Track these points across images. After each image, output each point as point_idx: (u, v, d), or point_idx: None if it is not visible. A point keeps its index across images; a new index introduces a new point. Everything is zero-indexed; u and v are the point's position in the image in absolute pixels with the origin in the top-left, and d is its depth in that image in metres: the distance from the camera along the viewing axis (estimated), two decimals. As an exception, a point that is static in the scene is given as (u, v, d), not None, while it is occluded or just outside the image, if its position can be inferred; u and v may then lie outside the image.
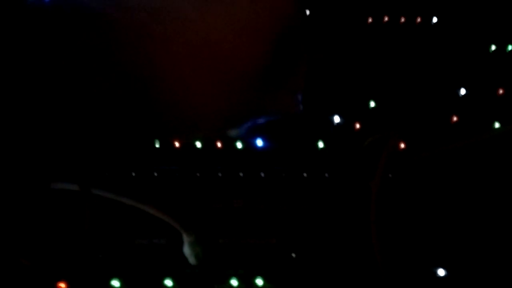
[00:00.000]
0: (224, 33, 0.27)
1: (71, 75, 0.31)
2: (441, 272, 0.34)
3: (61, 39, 0.28)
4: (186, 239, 0.34)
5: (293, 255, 0.38)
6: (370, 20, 0.52)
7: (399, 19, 0.52)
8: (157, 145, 0.43)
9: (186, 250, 0.35)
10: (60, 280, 0.35)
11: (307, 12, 0.50)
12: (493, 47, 0.50)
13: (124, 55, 0.26)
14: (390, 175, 0.40)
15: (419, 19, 0.52)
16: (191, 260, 0.36)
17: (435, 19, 0.52)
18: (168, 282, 0.36)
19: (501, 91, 0.47)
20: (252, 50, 0.28)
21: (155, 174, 0.42)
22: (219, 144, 0.43)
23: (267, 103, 0.39)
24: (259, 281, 0.36)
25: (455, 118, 0.45)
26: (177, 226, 0.32)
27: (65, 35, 0.28)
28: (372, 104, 0.47)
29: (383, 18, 0.52)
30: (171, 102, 0.26)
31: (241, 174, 0.42)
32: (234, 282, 0.36)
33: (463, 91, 0.47)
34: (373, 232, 0.24)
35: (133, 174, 0.41)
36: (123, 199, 0.33)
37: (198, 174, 0.42)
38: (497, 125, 0.44)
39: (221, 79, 0.27)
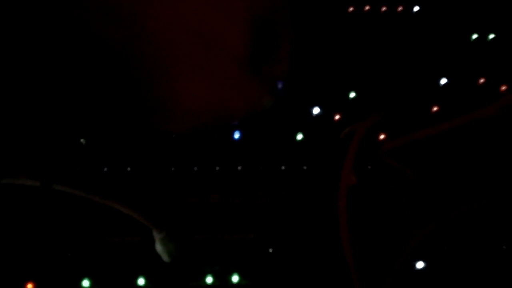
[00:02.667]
0: (204, 16, 0.25)
1: (42, 63, 0.29)
2: (419, 264, 0.33)
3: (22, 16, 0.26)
4: (156, 236, 0.33)
5: (270, 250, 0.37)
6: (351, 9, 0.51)
7: (380, 8, 0.51)
8: (133, 139, 0.41)
9: (158, 247, 0.34)
10: (28, 280, 0.33)
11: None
12: (475, 36, 0.49)
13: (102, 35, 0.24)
14: (369, 167, 0.39)
15: (400, 8, 0.51)
16: (164, 257, 0.35)
17: (416, 8, 0.51)
18: (141, 281, 0.34)
19: (481, 80, 0.46)
20: (233, 36, 0.26)
21: (129, 169, 0.40)
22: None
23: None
24: (235, 278, 0.35)
25: (435, 108, 0.44)
26: (147, 223, 0.31)
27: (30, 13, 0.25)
28: (352, 94, 0.45)
29: (364, 7, 0.51)
30: (150, 87, 0.24)
31: (217, 168, 0.41)
32: (209, 279, 0.35)
33: (443, 81, 0.46)
34: (341, 224, 0.23)
35: (105, 169, 0.40)
36: (91, 197, 0.31)
37: (173, 169, 0.41)
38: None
39: (203, 63, 0.26)
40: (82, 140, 0.35)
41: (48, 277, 0.35)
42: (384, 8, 0.51)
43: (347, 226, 0.23)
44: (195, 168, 0.41)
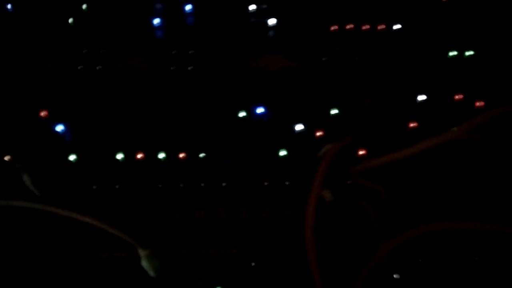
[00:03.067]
0: None
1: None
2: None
3: None
4: (141, 253, 0.35)
5: (253, 264, 0.39)
6: (333, 28, 0.53)
7: (361, 26, 0.53)
8: (120, 158, 0.43)
9: (144, 263, 0.36)
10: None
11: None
12: (452, 53, 0.51)
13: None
14: (348, 182, 0.41)
15: (381, 26, 0.53)
16: (150, 272, 0.36)
17: (397, 26, 0.53)
18: (128, 295, 0.36)
19: (457, 97, 0.48)
20: None
21: (117, 187, 0.42)
22: (181, 155, 0.44)
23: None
24: (218, 291, 0.37)
25: (412, 124, 0.46)
26: (132, 241, 0.32)
27: None
28: (334, 111, 0.47)
29: (345, 26, 0.53)
30: None
31: (202, 184, 0.43)
32: (193, 293, 0.37)
33: (421, 97, 0.48)
34: (307, 238, 0.24)
35: (94, 187, 0.42)
36: (75, 215, 0.33)
37: (160, 186, 0.42)
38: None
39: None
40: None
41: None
42: (365, 27, 0.53)
43: (313, 242, 0.24)
44: (181, 185, 0.43)
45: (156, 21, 0.51)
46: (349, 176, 0.29)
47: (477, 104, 0.48)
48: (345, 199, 0.39)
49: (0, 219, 0.38)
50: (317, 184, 0.24)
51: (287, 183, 0.43)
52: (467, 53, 0.52)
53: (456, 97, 0.49)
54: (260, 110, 0.47)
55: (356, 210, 0.38)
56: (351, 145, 0.31)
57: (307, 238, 0.24)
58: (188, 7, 0.52)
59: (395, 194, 0.40)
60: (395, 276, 0.36)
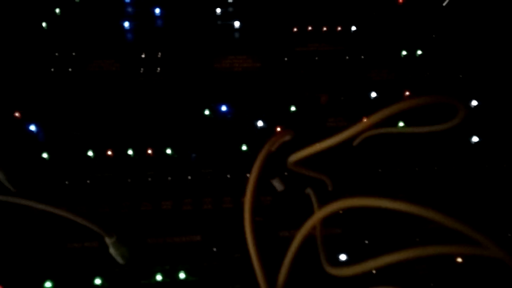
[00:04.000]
0: None
1: None
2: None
3: None
4: (108, 241, 0.38)
5: (215, 249, 0.42)
6: (295, 29, 0.56)
7: (321, 28, 0.57)
8: (91, 154, 0.46)
9: (112, 251, 0.39)
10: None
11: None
12: (404, 52, 0.55)
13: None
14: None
15: (339, 28, 0.57)
16: (119, 260, 0.39)
17: (353, 28, 0.57)
18: (98, 280, 0.39)
19: (407, 93, 0.52)
20: None
21: (88, 181, 0.45)
22: (149, 151, 0.47)
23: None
24: (182, 275, 0.40)
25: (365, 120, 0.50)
26: (97, 230, 0.35)
27: None
28: (293, 108, 0.51)
29: (306, 28, 0.57)
30: None
31: (169, 178, 0.46)
32: (158, 277, 0.40)
33: (373, 94, 0.52)
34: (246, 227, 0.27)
35: (66, 182, 0.44)
36: (47, 208, 0.35)
37: (129, 180, 0.45)
38: (401, 124, 0.50)
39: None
40: None
41: (14, 279, 0.39)
42: (324, 28, 0.57)
43: (253, 232, 0.27)
44: (149, 179, 0.46)
45: (126, 24, 0.53)
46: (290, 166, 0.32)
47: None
48: (294, 188, 0.43)
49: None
50: (253, 176, 0.27)
51: (248, 175, 0.47)
52: (418, 53, 0.56)
53: (406, 93, 0.53)
54: (224, 108, 0.50)
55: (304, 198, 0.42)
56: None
57: (246, 228, 0.27)
58: (157, 11, 0.54)
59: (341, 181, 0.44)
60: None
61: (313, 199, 0.38)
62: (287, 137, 0.33)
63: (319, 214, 0.27)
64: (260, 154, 0.27)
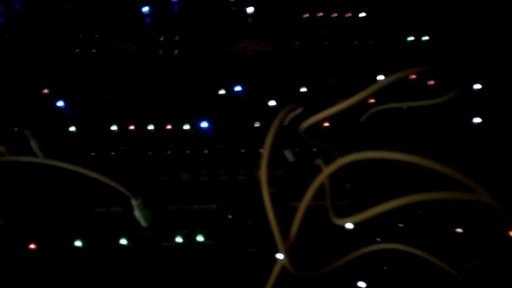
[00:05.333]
0: None
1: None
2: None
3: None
4: (134, 202, 0.41)
5: (230, 217, 0.46)
6: (306, 15, 0.59)
7: (330, 14, 0.59)
8: (114, 128, 0.49)
9: (136, 213, 0.42)
10: (31, 241, 0.41)
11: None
12: (410, 38, 0.58)
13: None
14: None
15: (348, 14, 0.59)
16: (142, 222, 0.43)
17: (362, 14, 0.59)
18: (123, 241, 0.43)
19: (413, 76, 0.55)
20: None
21: (112, 153, 0.48)
22: (169, 127, 0.50)
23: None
24: (200, 238, 0.43)
25: (372, 100, 0.53)
26: (125, 191, 0.38)
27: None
28: (303, 89, 0.54)
29: (316, 14, 0.59)
30: None
31: (187, 152, 0.49)
32: (179, 239, 0.43)
33: (380, 77, 0.55)
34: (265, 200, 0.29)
35: (92, 154, 0.48)
36: (76, 168, 0.38)
37: (150, 153, 0.49)
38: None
39: None
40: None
41: (48, 238, 0.43)
42: (334, 15, 0.59)
43: (271, 200, 0.29)
44: (168, 152, 0.49)
45: (145, 9, 0.56)
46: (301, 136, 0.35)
47: (429, 83, 0.55)
48: (306, 159, 0.46)
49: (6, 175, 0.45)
50: (267, 147, 0.30)
51: (260, 150, 0.50)
52: (423, 38, 0.58)
53: (411, 77, 0.55)
54: (237, 88, 0.53)
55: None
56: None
57: (264, 196, 0.30)
58: (175, -3, 0.57)
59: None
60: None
61: (322, 167, 0.41)
62: (297, 111, 0.36)
63: (328, 169, 0.30)
64: (274, 123, 0.30)
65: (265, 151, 0.28)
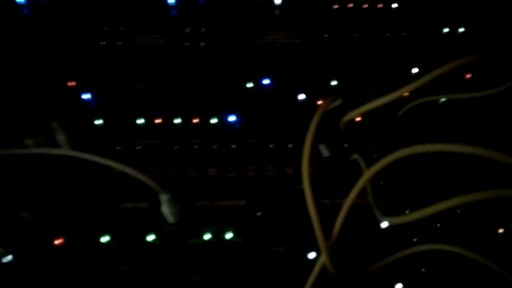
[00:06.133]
0: None
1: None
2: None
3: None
4: (163, 198, 0.40)
5: (258, 214, 0.44)
6: (335, 6, 0.57)
7: (361, 5, 0.57)
8: (141, 122, 0.48)
9: (164, 209, 0.41)
10: (57, 236, 0.41)
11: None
12: (445, 30, 0.55)
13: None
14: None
15: (380, 5, 0.57)
16: (169, 218, 0.42)
17: (394, 5, 0.57)
18: (151, 237, 0.41)
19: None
20: None
21: (138, 148, 0.47)
22: (196, 120, 0.49)
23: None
24: (229, 235, 0.42)
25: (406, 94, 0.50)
26: (155, 186, 0.37)
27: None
28: (334, 82, 0.52)
29: (347, 5, 0.57)
30: None
31: (214, 147, 0.48)
32: (207, 236, 0.42)
33: (415, 70, 0.52)
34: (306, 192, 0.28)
35: (118, 148, 0.47)
36: (105, 161, 0.37)
37: (176, 147, 0.48)
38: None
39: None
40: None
41: (74, 233, 0.42)
42: (365, 5, 0.57)
43: (312, 192, 0.28)
44: (195, 147, 0.48)
45: (171, 0, 0.55)
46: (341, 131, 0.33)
47: (467, 76, 0.52)
48: (340, 154, 0.44)
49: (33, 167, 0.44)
50: (309, 140, 0.28)
51: (290, 145, 0.48)
52: (460, 30, 0.55)
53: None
54: (266, 81, 0.51)
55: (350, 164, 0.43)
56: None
57: (305, 190, 0.28)
58: (201, -11, 0.56)
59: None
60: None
61: (361, 162, 0.39)
62: (337, 102, 0.34)
63: (370, 172, 0.28)
64: (315, 117, 0.29)
65: (306, 145, 0.27)
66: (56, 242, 0.41)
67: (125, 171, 0.35)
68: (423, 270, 0.40)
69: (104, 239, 0.41)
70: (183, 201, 0.44)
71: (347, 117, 0.31)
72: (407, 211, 0.43)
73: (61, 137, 0.42)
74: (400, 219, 0.26)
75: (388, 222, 0.29)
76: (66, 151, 0.37)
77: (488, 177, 0.46)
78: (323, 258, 0.29)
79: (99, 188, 0.45)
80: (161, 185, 0.37)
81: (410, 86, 0.27)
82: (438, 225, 0.42)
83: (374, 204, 0.35)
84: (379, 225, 0.39)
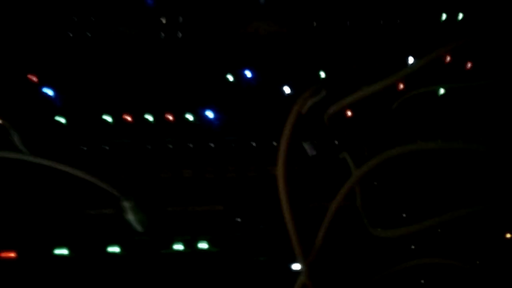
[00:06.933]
0: None
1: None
2: None
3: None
4: (125, 204, 0.35)
5: (238, 220, 0.39)
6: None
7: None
8: (109, 119, 0.44)
9: (129, 216, 0.36)
10: (9, 249, 0.36)
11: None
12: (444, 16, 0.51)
13: None
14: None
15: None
16: (137, 227, 0.37)
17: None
18: (115, 248, 0.37)
19: (448, 58, 0.48)
20: None
21: (106, 147, 0.43)
22: (170, 117, 0.44)
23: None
24: (203, 245, 0.37)
25: (401, 86, 0.46)
26: (114, 192, 0.33)
27: None
28: (322, 74, 0.47)
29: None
30: None
31: (190, 145, 0.43)
32: (179, 246, 0.37)
33: (411, 59, 0.48)
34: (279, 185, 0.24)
35: (83, 148, 0.42)
36: (60, 166, 0.34)
37: (149, 147, 0.43)
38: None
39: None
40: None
41: (27, 245, 0.37)
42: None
43: (287, 196, 0.24)
44: (169, 146, 0.43)
45: (145, -12, 0.51)
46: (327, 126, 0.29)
47: (469, 65, 0.48)
48: (327, 153, 0.40)
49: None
50: (285, 139, 0.24)
51: (274, 143, 0.44)
52: (459, 17, 0.51)
53: (447, 58, 0.48)
54: (248, 73, 0.47)
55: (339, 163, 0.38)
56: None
57: (281, 198, 0.24)
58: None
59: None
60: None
61: (350, 161, 0.34)
62: (319, 96, 0.30)
63: (358, 172, 0.24)
64: (292, 112, 0.24)
65: (282, 144, 0.23)
66: (6, 255, 0.36)
67: (82, 177, 0.30)
68: (422, 281, 0.36)
69: (60, 251, 0.37)
70: (155, 206, 0.40)
71: (332, 109, 0.26)
72: (403, 215, 0.39)
73: (14, 138, 0.38)
74: (390, 233, 0.22)
75: (377, 235, 0.25)
76: (17, 155, 0.32)
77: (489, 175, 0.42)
78: (303, 278, 0.24)
79: (60, 192, 0.40)
80: (126, 190, 0.33)
81: (398, 75, 0.23)
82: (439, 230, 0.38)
83: (363, 214, 0.30)
84: (369, 234, 0.35)
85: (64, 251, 0.37)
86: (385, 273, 0.31)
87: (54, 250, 0.37)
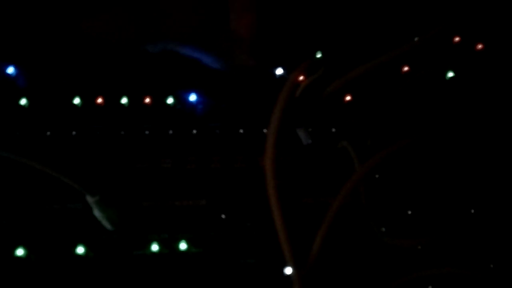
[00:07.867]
0: None
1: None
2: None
3: None
4: (90, 200, 0.31)
5: (223, 216, 0.35)
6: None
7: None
8: (78, 102, 0.38)
9: (96, 213, 0.32)
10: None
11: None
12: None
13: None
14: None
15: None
16: (106, 224, 0.33)
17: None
18: (80, 249, 0.32)
19: (457, 39, 0.44)
20: None
21: (74, 133, 0.38)
22: (147, 100, 0.39)
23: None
24: (183, 245, 0.33)
25: (406, 68, 0.42)
26: (78, 187, 0.28)
27: None
28: (319, 55, 0.43)
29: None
30: None
31: (170, 132, 0.38)
32: (155, 247, 0.33)
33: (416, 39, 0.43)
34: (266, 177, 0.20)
35: (48, 133, 0.37)
36: (19, 159, 0.29)
37: (122, 133, 0.38)
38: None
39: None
40: None
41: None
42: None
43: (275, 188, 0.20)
44: (146, 132, 0.38)
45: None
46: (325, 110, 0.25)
47: (479, 46, 0.44)
48: (324, 141, 0.35)
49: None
50: (274, 124, 0.20)
51: (264, 131, 0.39)
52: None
53: (456, 39, 0.44)
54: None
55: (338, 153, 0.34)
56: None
57: (269, 193, 0.20)
58: None
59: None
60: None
61: (351, 151, 0.30)
62: (314, 76, 0.26)
63: (363, 168, 0.20)
64: (281, 95, 0.21)
65: (271, 130, 0.19)
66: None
67: (39, 168, 0.25)
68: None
69: (20, 252, 0.32)
70: (128, 201, 0.35)
71: (330, 88, 0.22)
72: (408, 212, 0.35)
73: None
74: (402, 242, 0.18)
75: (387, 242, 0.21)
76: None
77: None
78: None
79: (18, 185, 0.35)
80: (92, 184, 0.28)
81: (397, 51, 0.19)
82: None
83: (369, 216, 0.26)
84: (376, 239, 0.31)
85: (20, 252, 0.32)
86: (392, 285, 0.27)
87: (14, 251, 0.32)
